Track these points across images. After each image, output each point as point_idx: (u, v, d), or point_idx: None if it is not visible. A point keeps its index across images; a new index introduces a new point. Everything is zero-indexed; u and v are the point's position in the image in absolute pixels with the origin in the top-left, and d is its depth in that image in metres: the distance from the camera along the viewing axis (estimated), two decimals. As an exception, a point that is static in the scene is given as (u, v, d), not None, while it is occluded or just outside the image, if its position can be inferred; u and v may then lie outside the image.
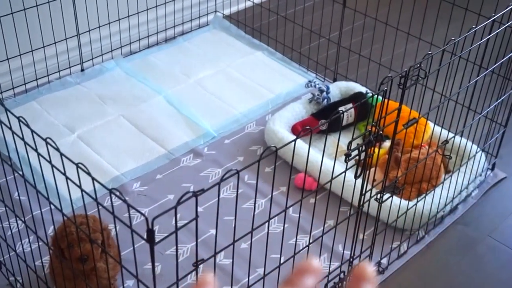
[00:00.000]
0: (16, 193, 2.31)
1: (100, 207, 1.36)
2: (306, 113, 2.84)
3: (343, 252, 2.07)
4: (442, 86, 2.17)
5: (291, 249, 1.90)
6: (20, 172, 1.78)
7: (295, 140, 1.55)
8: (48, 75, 3.01)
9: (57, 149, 1.37)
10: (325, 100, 2.85)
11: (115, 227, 1.50)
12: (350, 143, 1.65)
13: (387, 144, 2.60)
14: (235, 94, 3.05)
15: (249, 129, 2.85)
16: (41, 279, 1.93)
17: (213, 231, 2.32)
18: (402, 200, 2.29)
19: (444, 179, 2.40)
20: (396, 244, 2.26)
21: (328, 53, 3.22)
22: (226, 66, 3.23)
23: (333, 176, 1.73)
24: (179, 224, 1.26)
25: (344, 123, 2.79)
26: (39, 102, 2.91)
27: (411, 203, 2.26)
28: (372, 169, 2.32)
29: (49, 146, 1.41)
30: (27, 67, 2.91)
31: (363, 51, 3.06)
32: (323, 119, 2.72)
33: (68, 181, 1.43)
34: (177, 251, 1.36)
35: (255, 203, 1.62)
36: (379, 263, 2.18)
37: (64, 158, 1.39)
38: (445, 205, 2.38)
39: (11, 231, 2.24)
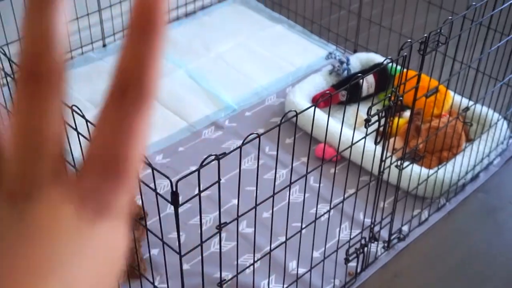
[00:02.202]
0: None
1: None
2: (326, 84, 2.85)
3: (364, 220, 2.09)
4: (463, 55, 2.17)
5: (312, 218, 1.92)
6: None
7: (314, 107, 1.57)
8: (71, 51, 3.05)
9: (83, 116, 1.41)
10: (345, 71, 2.86)
11: (141, 194, 1.54)
12: (369, 108, 1.66)
13: (407, 113, 2.60)
14: (256, 67, 3.06)
15: (269, 102, 2.87)
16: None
17: (235, 201, 2.35)
18: (423, 168, 2.30)
19: (465, 147, 2.41)
20: (417, 212, 2.28)
21: (349, 24, 3.21)
22: (246, 40, 3.24)
23: (353, 142, 1.74)
24: (202, 188, 1.30)
25: (365, 93, 2.79)
26: (62, 78, 2.95)
27: (432, 171, 2.27)
28: (392, 139, 2.34)
29: (74, 114, 1.45)
30: (50, 43, 2.94)
31: (384, 22, 3.04)
32: (343, 91, 2.73)
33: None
34: (200, 214, 1.39)
35: (276, 167, 1.64)
36: (400, 230, 2.20)
37: (89, 125, 1.43)
38: (466, 173, 2.39)
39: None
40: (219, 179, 1.35)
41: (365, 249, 2.02)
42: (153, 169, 1.30)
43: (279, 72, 3.02)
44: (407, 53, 1.68)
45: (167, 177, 1.28)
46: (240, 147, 1.38)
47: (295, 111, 1.50)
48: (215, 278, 1.93)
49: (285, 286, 1.93)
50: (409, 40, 1.69)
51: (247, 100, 2.86)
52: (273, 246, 1.75)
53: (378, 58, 2.93)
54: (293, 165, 2.51)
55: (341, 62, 2.87)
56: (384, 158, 1.86)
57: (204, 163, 1.29)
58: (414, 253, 2.20)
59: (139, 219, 1.80)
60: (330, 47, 3.20)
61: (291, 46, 3.21)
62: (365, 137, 1.75)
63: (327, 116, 1.96)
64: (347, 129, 2.42)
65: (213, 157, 1.30)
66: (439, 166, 2.33)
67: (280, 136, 1.71)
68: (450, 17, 1.83)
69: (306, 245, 1.90)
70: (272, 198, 1.57)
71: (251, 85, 2.95)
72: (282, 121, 1.45)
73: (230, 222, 1.46)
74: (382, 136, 1.77)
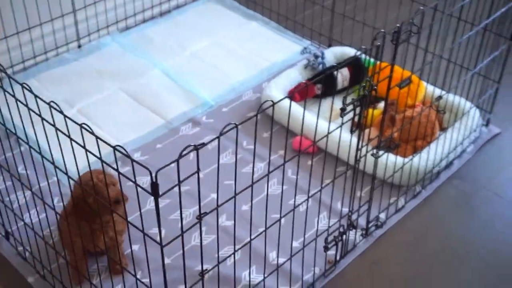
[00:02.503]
0: (22, 166, 2.37)
1: (105, 165, 1.42)
2: (302, 78, 2.88)
3: (341, 208, 2.12)
4: (434, 46, 2.21)
5: (290, 209, 1.95)
6: (26, 146, 1.80)
7: (290, 98, 1.60)
8: (46, 52, 3.05)
9: (61, 112, 1.42)
10: (320, 65, 2.89)
11: (121, 186, 1.55)
12: (345, 98, 1.69)
13: (381, 104, 2.64)
14: (231, 64, 3.09)
15: (246, 97, 2.90)
16: (50, 245, 1.99)
17: (214, 195, 2.37)
18: (398, 156, 2.34)
19: (439, 136, 2.45)
20: (393, 199, 2.32)
21: (323, 20, 3.25)
22: (221, 38, 3.26)
23: (329, 132, 1.77)
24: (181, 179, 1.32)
25: (340, 86, 2.83)
26: (38, 80, 2.95)
27: (407, 159, 2.31)
28: (368, 130, 2.37)
29: (52, 110, 1.46)
30: (25, 45, 2.95)
31: (357, 17, 3.09)
32: (318, 84, 2.76)
33: (73, 144, 1.47)
34: (180, 205, 1.41)
35: (254, 158, 1.66)
36: (377, 218, 2.24)
37: (68, 121, 1.44)
38: (441, 160, 2.44)
39: (19, 203, 2.29)
40: (198, 169, 1.38)
41: (344, 236, 2.05)
42: (132, 161, 1.32)
43: (255, 68, 3.05)
44: (380, 43, 1.71)
45: (147, 168, 1.30)
46: (218, 137, 1.40)
47: (271, 101, 1.53)
48: (197, 271, 1.94)
49: (265, 275, 1.95)
50: (382, 30, 1.72)
51: (224, 96, 2.88)
52: (252, 236, 1.77)
53: (352, 52, 2.97)
54: (271, 158, 2.55)
55: (316, 57, 2.91)
56: (359, 147, 1.90)
57: (183, 153, 1.31)
58: (391, 240, 2.24)
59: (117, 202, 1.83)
60: (305, 42, 3.23)
61: (266, 43, 3.24)
62: (341, 126, 1.78)
63: (303, 109, 1.99)
64: (323, 121, 2.47)
65: (192, 147, 1.32)
66: (414, 155, 2.38)
67: (257, 130, 1.75)
68: (421, 7, 1.87)
69: (285, 236, 1.93)
70: (251, 188, 1.59)
71: (227, 81, 2.97)
72: (259, 111, 1.47)
73: (209, 212, 1.48)
74: (358, 125, 1.80)
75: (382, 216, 2.28)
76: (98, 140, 1.38)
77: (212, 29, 3.33)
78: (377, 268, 2.14)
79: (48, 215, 2.26)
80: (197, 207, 2.23)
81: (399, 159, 2.32)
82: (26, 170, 2.12)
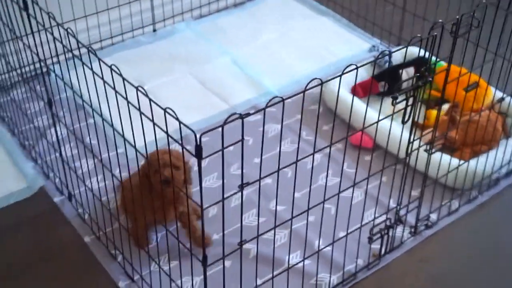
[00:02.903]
0: (90, 137, 2.49)
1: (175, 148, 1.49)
2: (367, 75, 2.89)
3: (389, 202, 2.12)
4: (496, 45, 2.17)
5: (341, 200, 1.98)
6: (96, 118, 1.90)
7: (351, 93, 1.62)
8: (122, 34, 3.19)
9: (146, 95, 1.48)
10: (387, 63, 2.89)
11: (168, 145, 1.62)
12: (398, 85, 1.71)
13: (446, 106, 2.62)
14: (299, 56, 3.13)
15: (311, 90, 2.92)
16: (108, 210, 2.09)
17: (268, 180, 2.43)
18: (453, 158, 2.31)
19: (501, 141, 2.41)
20: (446, 201, 2.29)
21: (393, 19, 3.24)
22: (291, 30, 3.31)
23: (379, 119, 1.79)
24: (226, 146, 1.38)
25: (404, 85, 2.81)
26: (112, 59, 3.09)
27: (462, 161, 2.28)
28: (428, 130, 2.36)
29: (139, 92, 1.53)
30: (103, 25, 3.09)
31: (428, 17, 3.05)
32: (382, 81, 2.76)
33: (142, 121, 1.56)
34: (223, 168, 1.47)
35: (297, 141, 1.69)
36: (428, 217, 2.23)
37: (152, 104, 1.50)
38: (501, 167, 2.39)
39: (82, 170, 2.41)
40: (243, 138, 1.43)
41: (390, 231, 2.05)
42: (180, 123, 1.39)
43: (322, 62, 3.08)
44: (437, 33, 1.71)
45: (192, 130, 1.36)
46: (264, 109, 1.46)
47: (320, 79, 1.57)
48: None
49: (305, 256, 1.96)
50: (440, 21, 1.72)
51: (288, 87, 2.93)
52: (295, 217, 1.81)
53: (421, 53, 2.95)
54: (327, 150, 2.57)
55: (384, 54, 2.90)
56: (412, 140, 1.90)
57: (228, 120, 1.37)
58: (441, 240, 2.22)
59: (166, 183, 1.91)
60: (374, 40, 3.23)
61: (335, 38, 3.26)
62: (392, 115, 1.79)
63: (364, 105, 2.00)
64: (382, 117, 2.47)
65: (237, 115, 1.37)
66: (473, 158, 2.34)
67: (318, 123, 1.83)
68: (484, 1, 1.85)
69: (333, 225, 1.95)
70: (295, 164, 1.63)
71: (293, 73, 3.02)
72: (307, 88, 1.52)
73: (252, 183, 1.54)
74: (410, 116, 1.81)
75: (434, 216, 2.26)
76: (166, 113, 1.45)
77: (283, 22, 3.39)
78: (423, 266, 2.13)
79: (108, 183, 2.39)
80: (251, 189, 2.31)
81: (455, 160, 2.29)
82: (90, 141, 2.24)
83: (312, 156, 1.74)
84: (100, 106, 1.84)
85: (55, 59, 2.02)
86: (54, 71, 2.08)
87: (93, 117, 2.00)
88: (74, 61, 1.81)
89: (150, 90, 2.88)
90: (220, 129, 1.40)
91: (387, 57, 2.89)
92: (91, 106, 1.89)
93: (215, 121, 2.73)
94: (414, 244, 2.20)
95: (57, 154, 2.36)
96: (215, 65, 3.06)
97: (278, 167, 1.64)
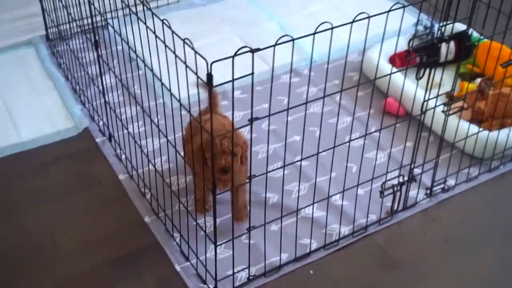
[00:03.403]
0: (137, 86, 2.67)
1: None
2: (406, 47, 2.93)
3: (402, 159, 2.18)
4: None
5: (364, 159, 2.08)
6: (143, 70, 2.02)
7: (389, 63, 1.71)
8: (178, -5, 3.36)
9: (193, 48, 1.60)
10: (429, 36, 2.93)
11: (251, 156, 1.76)
12: (411, 40, 1.78)
13: (478, 80, 2.65)
14: (344, 27, 3.20)
15: (350, 58, 3.01)
16: (146, 155, 2.25)
17: (296, 137, 2.54)
18: (472, 125, 2.35)
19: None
20: (464, 167, 2.34)
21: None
22: (340, 2, 3.39)
23: (392, 72, 1.87)
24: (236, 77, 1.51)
25: (443, 59, 2.85)
26: (166, 17, 3.23)
27: (481, 129, 2.32)
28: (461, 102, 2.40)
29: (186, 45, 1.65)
30: (160, -15, 3.27)
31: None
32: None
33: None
34: (233, 103, 1.60)
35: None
36: (445, 181, 2.28)
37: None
38: (526, 140, 2.41)
39: (126, 115, 2.60)
40: (253, 72, 1.56)
41: (403, 188, 2.13)
42: (195, 52, 1.52)
43: (364, 32, 3.14)
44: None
45: (204, 58, 1.50)
46: (274, 45, 1.58)
47: (291, 36, 1.66)
48: (262, 197, 2.13)
49: (314, 201, 2.07)
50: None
51: (330, 55, 3.01)
52: (304, 160, 1.92)
53: (463, 28, 2.97)
54: (359, 114, 2.66)
55: (426, 28, 2.95)
56: (428, 98, 1.97)
57: (238, 52, 1.50)
58: (456, 205, 2.28)
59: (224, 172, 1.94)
60: (421, 15, 3.26)
61: (382, 11, 3.31)
62: (406, 69, 1.88)
63: (403, 75, 2.10)
64: (418, 88, 2.53)
65: (247, 48, 1.50)
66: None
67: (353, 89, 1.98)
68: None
69: (349, 181, 2.05)
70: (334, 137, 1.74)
71: (336, 41, 3.08)
72: (277, 43, 1.62)
73: (261, 118, 1.66)
74: (424, 71, 1.88)
75: (452, 182, 2.32)
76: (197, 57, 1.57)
77: (334, -7, 3.47)
78: (435, 226, 2.20)
79: (147, 128, 2.56)
80: (279, 144, 2.43)
81: (474, 127, 2.33)
82: (134, 91, 2.41)
83: (337, 116, 1.83)
84: (150, 59, 1.93)
85: (113, 14, 2.20)
86: (111, 25, 2.23)
87: (144, 68, 2.15)
88: (130, 17, 1.95)
89: (198, 48, 3.01)
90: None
91: (419, 27, 2.93)
92: (141, 59, 1.99)
93: (255, 81, 2.84)
94: (428, 205, 2.27)
95: (103, 101, 2.55)
96: (262, 29, 3.18)
97: (304, 124, 1.75)
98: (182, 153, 2.18)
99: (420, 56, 1.86)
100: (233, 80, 1.55)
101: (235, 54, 1.50)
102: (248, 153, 2.09)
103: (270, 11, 3.32)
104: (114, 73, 2.33)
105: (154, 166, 2.19)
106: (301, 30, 3.17)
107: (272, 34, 3.14)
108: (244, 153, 2.03)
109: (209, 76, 1.51)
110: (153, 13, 1.78)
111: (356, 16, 1.73)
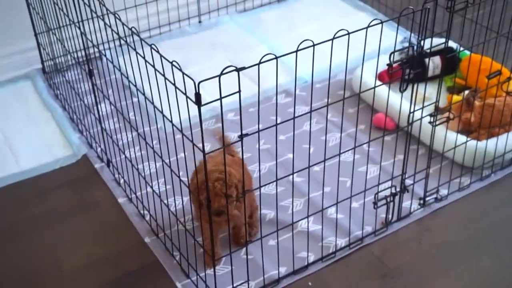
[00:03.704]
0: (132, 113, 2.73)
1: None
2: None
3: (393, 171, 2.23)
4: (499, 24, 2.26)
5: (350, 167, 2.14)
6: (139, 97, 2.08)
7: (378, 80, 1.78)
8: (169, 24, 3.44)
9: (180, 69, 1.65)
10: (406, 50, 3.01)
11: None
12: (392, 53, 1.85)
13: (466, 92, 2.72)
14: (334, 48, 3.28)
15: (340, 77, 3.09)
16: (142, 176, 2.30)
17: (290, 155, 2.60)
18: (459, 134, 2.41)
19: (515, 123, 2.49)
20: (455, 176, 2.39)
21: (437, 15, 3.34)
22: (328, 24, 3.48)
23: (375, 85, 1.93)
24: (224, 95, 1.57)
25: (430, 74, 2.93)
26: (159, 46, 3.24)
27: (469, 138, 2.38)
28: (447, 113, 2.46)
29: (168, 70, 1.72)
30: (152, 16, 3.35)
31: (468, 14, 3.14)
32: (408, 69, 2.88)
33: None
34: (222, 120, 1.66)
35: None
36: (437, 191, 2.34)
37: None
38: (515, 148, 2.47)
39: (122, 141, 2.67)
40: (240, 90, 1.62)
41: (396, 198, 2.17)
42: (183, 73, 1.58)
43: (354, 53, 3.22)
44: (430, 7, 1.84)
45: (190, 78, 1.56)
46: (258, 64, 1.64)
47: (274, 55, 1.73)
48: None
49: (309, 214, 2.12)
50: (434, -4, 1.85)
51: (320, 75, 3.09)
52: (295, 174, 1.97)
53: (449, 43, 3.05)
54: (350, 131, 2.73)
55: (411, 45, 3.02)
56: (413, 110, 2.03)
57: (224, 72, 1.56)
58: (449, 213, 2.32)
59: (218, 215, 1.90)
60: (407, 33, 3.35)
61: (370, 31, 3.39)
62: (389, 83, 1.95)
63: (387, 90, 2.17)
64: (405, 102, 2.60)
65: (233, 68, 1.56)
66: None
67: (344, 106, 2.05)
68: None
69: (343, 194, 2.11)
70: (316, 140, 1.79)
71: (325, 62, 3.17)
72: (261, 61, 1.68)
73: (250, 134, 1.72)
74: (407, 84, 1.94)
75: (444, 192, 2.37)
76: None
77: (322, 16, 3.57)
78: (428, 235, 2.24)
79: (143, 153, 2.62)
80: (273, 162, 2.49)
81: (462, 137, 2.39)
82: (135, 117, 2.47)
83: (325, 128, 1.88)
84: (142, 85, 1.96)
85: (106, 45, 2.27)
86: (105, 55, 2.30)
87: (137, 95, 2.23)
88: (121, 48, 2.00)
89: (190, 73, 3.09)
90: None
91: (406, 44, 3.01)
92: (134, 84, 2.04)
93: (247, 103, 2.93)
94: (422, 215, 2.32)
95: (100, 128, 2.61)
96: (252, 52, 3.26)
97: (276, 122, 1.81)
98: (179, 175, 2.22)
99: (402, 69, 1.91)
100: (220, 98, 1.61)
101: (221, 73, 1.56)
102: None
103: (260, 35, 3.41)
104: (109, 100, 2.39)
105: (152, 188, 2.24)
106: (290, 51, 3.25)
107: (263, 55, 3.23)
108: (238, 193, 1.95)
109: (197, 95, 1.57)
110: (141, 39, 1.85)
111: (336, 33, 1.79)
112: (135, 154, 2.62)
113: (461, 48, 2.87)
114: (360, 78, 2.85)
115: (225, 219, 1.89)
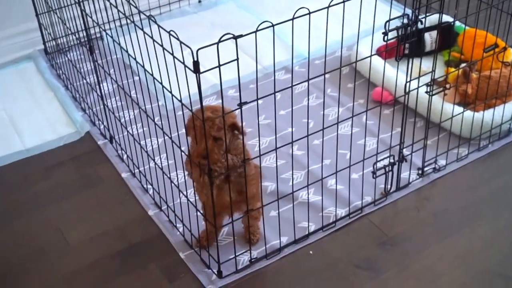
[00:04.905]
0: (134, 91, 2.77)
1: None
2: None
3: (391, 140, 2.25)
4: None
5: (355, 144, 2.19)
6: (139, 76, 2.14)
7: (376, 54, 1.81)
8: (169, 4, 3.47)
9: (178, 38, 1.68)
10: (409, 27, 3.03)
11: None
12: (387, 22, 1.88)
13: (463, 65, 2.74)
14: (332, 24, 3.30)
15: (338, 53, 3.11)
16: (147, 152, 2.34)
17: (290, 129, 2.63)
18: (456, 105, 2.44)
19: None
20: (452, 147, 2.42)
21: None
22: (329, 2, 3.49)
23: (372, 54, 1.95)
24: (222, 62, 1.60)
25: (428, 49, 2.96)
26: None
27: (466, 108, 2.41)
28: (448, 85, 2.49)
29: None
30: (152, -5, 3.39)
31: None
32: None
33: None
34: (221, 86, 1.69)
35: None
36: (435, 161, 2.37)
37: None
38: (512, 118, 2.50)
39: (124, 119, 2.70)
40: (237, 57, 1.65)
41: (394, 168, 2.21)
42: (180, 42, 1.62)
43: (352, 30, 3.25)
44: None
45: (188, 46, 1.59)
46: (255, 31, 1.67)
47: (271, 22, 1.75)
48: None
49: (309, 183, 2.16)
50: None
51: (319, 51, 3.10)
52: (313, 163, 2.00)
53: (447, 19, 3.07)
54: (349, 105, 2.76)
55: (408, 19, 3.04)
56: (410, 79, 2.06)
57: (222, 39, 1.59)
58: (447, 183, 2.36)
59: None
60: (407, 10, 3.37)
61: (370, 9, 3.42)
62: (385, 51, 1.96)
63: (385, 64, 2.20)
64: (402, 75, 2.63)
65: (230, 35, 1.59)
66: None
67: (342, 81, 2.07)
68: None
69: (344, 165, 2.14)
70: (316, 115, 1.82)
71: (324, 38, 3.20)
72: (258, 28, 1.70)
73: (250, 102, 1.75)
74: (403, 55, 1.97)
75: (443, 162, 2.41)
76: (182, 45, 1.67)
77: (322, -5, 3.58)
78: (426, 204, 2.28)
79: (145, 130, 2.66)
80: (273, 137, 2.52)
81: (458, 108, 2.43)
82: (136, 95, 2.51)
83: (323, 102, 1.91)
84: (143, 64, 2.00)
85: (107, 26, 2.32)
86: (109, 35, 2.32)
87: (138, 74, 2.26)
88: (122, 28, 2.04)
89: (190, 53, 3.14)
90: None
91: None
92: (140, 64, 2.04)
93: (247, 80, 2.96)
94: (421, 185, 2.35)
95: (102, 105, 2.65)
96: (252, 31, 3.28)
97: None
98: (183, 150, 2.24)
99: (398, 38, 1.94)
100: (219, 66, 1.64)
101: (219, 41, 1.60)
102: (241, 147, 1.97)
103: (259, 15, 3.44)
104: (111, 77, 2.43)
105: (154, 161, 2.28)
106: (289, 29, 3.28)
107: (262, 35, 3.23)
108: (239, 128, 1.87)
109: (196, 63, 1.60)
110: (139, 11, 1.88)
111: (331, 1, 1.82)
112: (137, 130, 2.66)
113: (461, 24, 2.92)
114: (359, 53, 2.89)
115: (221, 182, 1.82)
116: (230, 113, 1.86)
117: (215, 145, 1.81)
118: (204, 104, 1.77)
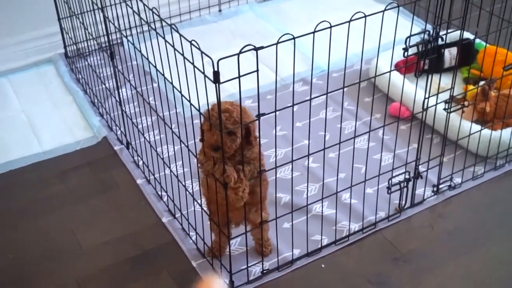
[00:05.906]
0: (152, 98, 2.79)
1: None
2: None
3: (407, 157, 2.26)
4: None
5: (368, 157, 2.19)
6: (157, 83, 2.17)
7: (395, 70, 1.82)
8: (190, 12, 3.49)
9: (199, 48, 1.70)
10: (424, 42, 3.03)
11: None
12: (408, 38, 1.88)
13: (482, 82, 2.74)
14: (351, 38, 3.31)
15: (357, 67, 3.11)
16: (162, 159, 2.35)
17: (306, 141, 2.63)
18: (474, 123, 2.43)
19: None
20: (468, 165, 2.41)
21: (453, 8, 3.36)
22: (349, 16, 3.49)
23: (391, 69, 1.96)
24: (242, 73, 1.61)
25: (447, 65, 2.95)
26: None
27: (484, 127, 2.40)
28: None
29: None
30: (173, 3, 3.40)
31: (486, 6, 3.16)
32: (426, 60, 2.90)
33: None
34: (240, 97, 1.70)
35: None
36: (451, 178, 2.36)
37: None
38: (530, 139, 2.48)
39: (142, 125, 2.72)
40: (258, 69, 1.66)
41: (409, 184, 2.20)
42: (202, 52, 1.63)
43: (371, 44, 3.25)
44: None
45: (208, 56, 1.60)
46: (276, 43, 1.67)
47: (292, 35, 1.76)
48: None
49: (323, 197, 2.15)
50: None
51: (337, 64, 3.11)
52: (311, 159, 2.01)
53: (467, 35, 3.06)
54: (366, 119, 2.76)
55: (429, 35, 3.04)
56: (428, 96, 2.06)
57: (243, 50, 1.60)
58: (462, 201, 2.35)
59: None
60: (428, 27, 3.37)
61: (388, 23, 3.42)
62: (405, 66, 1.97)
63: (406, 80, 2.19)
64: (421, 91, 2.63)
65: (251, 46, 1.60)
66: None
67: (360, 96, 2.06)
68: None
69: (358, 179, 2.14)
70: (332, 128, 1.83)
71: (343, 51, 3.20)
72: (279, 41, 1.71)
73: (269, 114, 1.75)
74: (422, 70, 1.97)
75: (458, 180, 2.39)
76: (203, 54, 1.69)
77: (342, 7, 3.59)
78: (441, 221, 2.27)
79: (162, 137, 2.68)
80: (289, 148, 2.53)
81: (476, 126, 2.42)
82: (154, 101, 2.52)
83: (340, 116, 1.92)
84: (163, 71, 2.00)
85: (128, 32, 2.33)
86: (130, 41, 2.33)
87: (157, 81, 2.27)
88: (143, 35, 2.05)
89: (210, 61, 3.16)
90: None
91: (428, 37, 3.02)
92: (160, 72, 2.04)
93: (265, 90, 2.97)
94: (435, 202, 2.34)
95: (120, 111, 2.67)
96: (272, 42, 3.28)
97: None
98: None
99: (418, 54, 1.94)
100: (239, 77, 1.65)
101: (240, 52, 1.60)
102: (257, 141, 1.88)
103: (278, 25, 3.45)
104: (130, 83, 2.44)
105: (170, 168, 2.29)
106: (309, 41, 3.28)
107: (281, 46, 3.26)
108: (252, 133, 1.82)
109: (216, 73, 1.61)
110: (161, 19, 1.90)
111: (353, 15, 1.82)
112: (154, 137, 2.68)
113: (480, 41, 2.91)
114: (378, 68, 2.89)
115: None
116: (247, 114, 1.82)
117: (228, 139, 1.76)
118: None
